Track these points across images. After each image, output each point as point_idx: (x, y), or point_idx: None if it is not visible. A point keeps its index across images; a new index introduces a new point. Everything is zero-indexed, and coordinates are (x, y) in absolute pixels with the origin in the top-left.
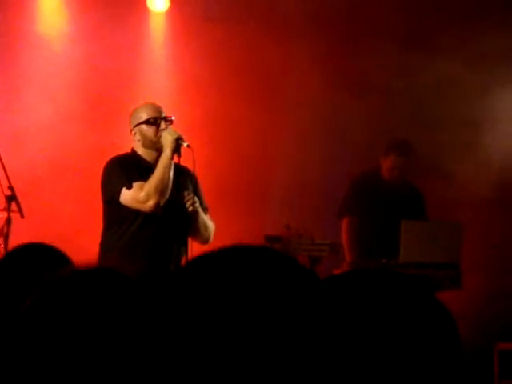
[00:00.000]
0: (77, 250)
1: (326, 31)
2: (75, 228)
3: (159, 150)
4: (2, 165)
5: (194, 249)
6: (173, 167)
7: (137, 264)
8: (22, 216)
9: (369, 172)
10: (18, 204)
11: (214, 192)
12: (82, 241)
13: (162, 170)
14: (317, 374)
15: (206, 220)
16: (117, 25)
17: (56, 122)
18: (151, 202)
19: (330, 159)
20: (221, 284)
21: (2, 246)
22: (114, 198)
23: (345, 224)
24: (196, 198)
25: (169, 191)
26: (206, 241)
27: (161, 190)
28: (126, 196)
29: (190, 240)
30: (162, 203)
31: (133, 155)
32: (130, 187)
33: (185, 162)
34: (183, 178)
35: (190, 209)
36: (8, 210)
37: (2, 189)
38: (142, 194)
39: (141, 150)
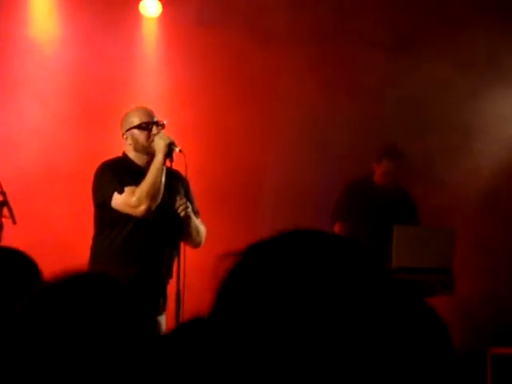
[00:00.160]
0: (70, 254)
1: (318, 37)
2: (68, 233)
3: (150, 154)
4: None
5: (187, 252)
6: (165, 172)
7: (129, 268)
8: (14, 222)
9: (361, 177)
10: (9, 209)
11: (206, 196)
12: (75, 246)
13: (154, 174)
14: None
15: (198, 224)
16: (109, 30)
17: (48, 127)
18: (143, 207)
19: (322, 164)
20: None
21: None
22: (106, 202)
23: (337, 229)
24: (188, 203)
25: (160, 196)
26: (197, 245)
27: (152, 195)
28: (118, 200)
29: (182, 243)
30: (153, 208)
31: (124, 159)
32: (121, 191)
33: (177, 166)
34: (175, 182)
35: (183, 214)
36: (0, 215)
37: None
38: (134, 199)
39: (132, 154)
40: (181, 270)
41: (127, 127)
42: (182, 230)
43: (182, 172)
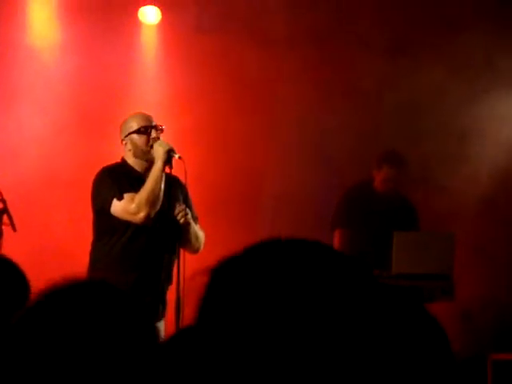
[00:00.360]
0: (69, 261)
1: (316, 41)
2: (68, 240)
3: (150, 161)
4: None
5: (187, 258)
6: (164, 179)
7: (128, 275)
8: (14, 229)
9: (361, 183)
10: (9, 217)
11: (206, 202)
12: (75, 253)
13: (154, 181)
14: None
15: (197, 230)
16: (108, 36)
17: (47, 134)
18: (142, 214)
19: (321, 169)
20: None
21: None
22: (105, 209)
23: (337, 236)
24: (188, 210)
25: (160, 203)
26: (196, 250)
27: (152, 202)
28: (117, 207)
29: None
30: (152, 215)
31: (123, 165)
32: (120, 198)
33: (176, 173)
34: (174, 188)
35: (182, 220)
36: (0, 223)
37: None
38: (133, 206)
39: (131, 160)
40: (180, 276)
41: (126, 132)
42: (181, 237)
43: (182, 179)
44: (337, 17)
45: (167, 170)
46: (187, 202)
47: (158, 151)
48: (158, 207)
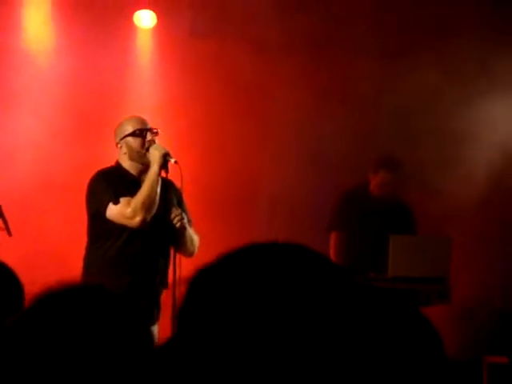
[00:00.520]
0: (65, 265)
1: (311, 46)
2: (63, 244)
3: (145, 164)
4: None
5: (182, 261)
6: (160, 182)
7: (122, 279)
8: (10, 234)
9: (357, 187)
10: (5, 221)
11: (201, 205)
12: (71, 257)
13: (150, 186)
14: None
15: (192, 234)
16: (104, 41)
17: (43, 138)
18: (138, 218)
19: (317, 172)
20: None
21: None
22: (100, 212)
23: (333, 238)
24: (184, 214)
25: (156, 207)
26: (191, 254)
27: (148, 206)
28: (113, 211)
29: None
30: (148, 219)
31: (118, 168)
32: (116, 202)
33: (172, 177)
34: (168, 192)
35: (178, 225)
36: None
37: None
38: (129, 210)
39: (127, 164)
40: (176, 280)
41: (121, 135)
42: (176, 241)
43: (178, 183)
44: (332, 22)
45: (163, 174)
46: (181, 206)
47: (154, 155)
48: (154, 211)
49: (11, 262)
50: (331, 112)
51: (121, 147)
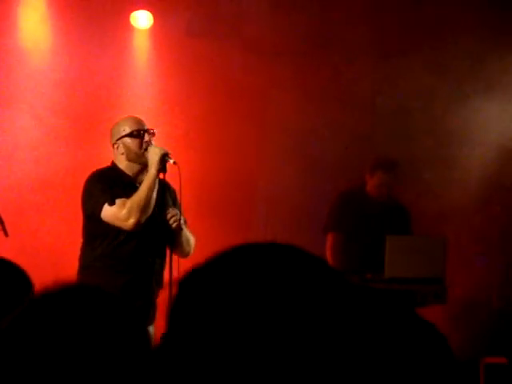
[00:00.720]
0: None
1: (307, 46)
2: (60, 245)
3: (143, 164)
4: None
5: (180, 261)
6: (157, 186)
7: (118, 279)
8: (7, 234)
9: (353, 188)
10: (2, 222)
11: (198, 205)
12: (67, 257)
13: (147, 189)
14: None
15: (188, 234)
16: (100, 41)
17: (39, 139)
18: (132, 220)
19: (314, 172)
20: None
21: None
22: (95, 214)
23: (329, 240)
24: (180, 215)
25: (151, 211)
26: (187, 254)
27: (143, 209)
28: (108, 212)
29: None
30: (142, 221)
31: (114, 169)
32: (111, 203)
33: (170, 178)
34: (164, 192)
35: (175, 225)
36: None
37: None
38: (124, 212)
39: (123, 164)
40: (172, 280)
41: (118, 136)
42: (172, 241)
43: (176, 183)
44: (329, 21)
45: (161, 175)
46: (176, 207)
47: (153, 158)
48: (149, 214)
49: None
50: (328, 112)
51: (117, 147)
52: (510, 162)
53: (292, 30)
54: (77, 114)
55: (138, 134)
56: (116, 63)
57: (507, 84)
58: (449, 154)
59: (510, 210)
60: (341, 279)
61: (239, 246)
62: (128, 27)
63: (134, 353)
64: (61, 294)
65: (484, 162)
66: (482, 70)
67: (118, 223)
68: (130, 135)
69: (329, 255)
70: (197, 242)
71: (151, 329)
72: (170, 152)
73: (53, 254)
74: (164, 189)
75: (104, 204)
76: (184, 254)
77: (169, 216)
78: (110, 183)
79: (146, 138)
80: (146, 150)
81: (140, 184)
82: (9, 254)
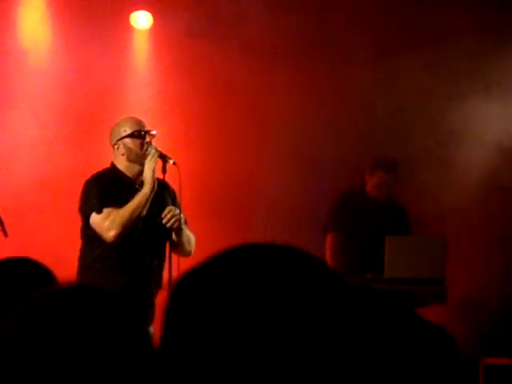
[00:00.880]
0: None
1: (306, 48)
2: (60, 246)
3: (143, 165)
4: None
5: (180, 261)
6: (148, 205)
7: (117, 280)
8: (6, 235)
9: (353, 188)
10: (1, 223)
11: (197, 206)
12: (67, 258)
13: (135, 206)
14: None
15: (189, 234)
16: (100, 41)
17: (39, 139)
18: (112, 233)
19: (314, 173)
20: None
21: None
22: (89, 218)
23: (329, 240)
24: (181, 215)
25: (134, 225)
26: (188, 254)
27: (125, 225)
28: (94, 219)
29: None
30: (123, 235)
31: (114, 171)
32: (99, 212)
33: (169, 178)
34: (163, 192)
35: (176, 225)
36: None
37: None
38: (107, 224)
39: (123, 165)
40: (171, 281)
41: (118, 137)
42: (172, 241)
43: (176, 184)
44: (328, 22)
45: (161, 176)
46: (175, 206)
47: (147, 174)
48: (131, 230)
49: None
50: (328, 112)
51: (118, 148)
52: (509, 161)
53: (291, 30)
54: (76, 114)
55: (139, 134)
56: (116, 63)
57: (506, 84)
58: (448, 153)
59: (510, 209)
60: (340, 280)
61: (239, 247)
62: (128, 27)
63: (134, 352)
64: (61, 293)
65: (483, 162)
66: (482, 70)
67: (100, 232)
68: (130, 136)
69: (328, 255)
70: (197, 241)
71: (151, 329)
72: (167, 156)
73: (53, 254)
74: (163, 189)
75: (93, 212)
76: (185, 254)
77: (170, 215)
78: (108, 187)
79: (148, 138)
80: (146, 150)
81: (140, 186)
82: (9, 254)
